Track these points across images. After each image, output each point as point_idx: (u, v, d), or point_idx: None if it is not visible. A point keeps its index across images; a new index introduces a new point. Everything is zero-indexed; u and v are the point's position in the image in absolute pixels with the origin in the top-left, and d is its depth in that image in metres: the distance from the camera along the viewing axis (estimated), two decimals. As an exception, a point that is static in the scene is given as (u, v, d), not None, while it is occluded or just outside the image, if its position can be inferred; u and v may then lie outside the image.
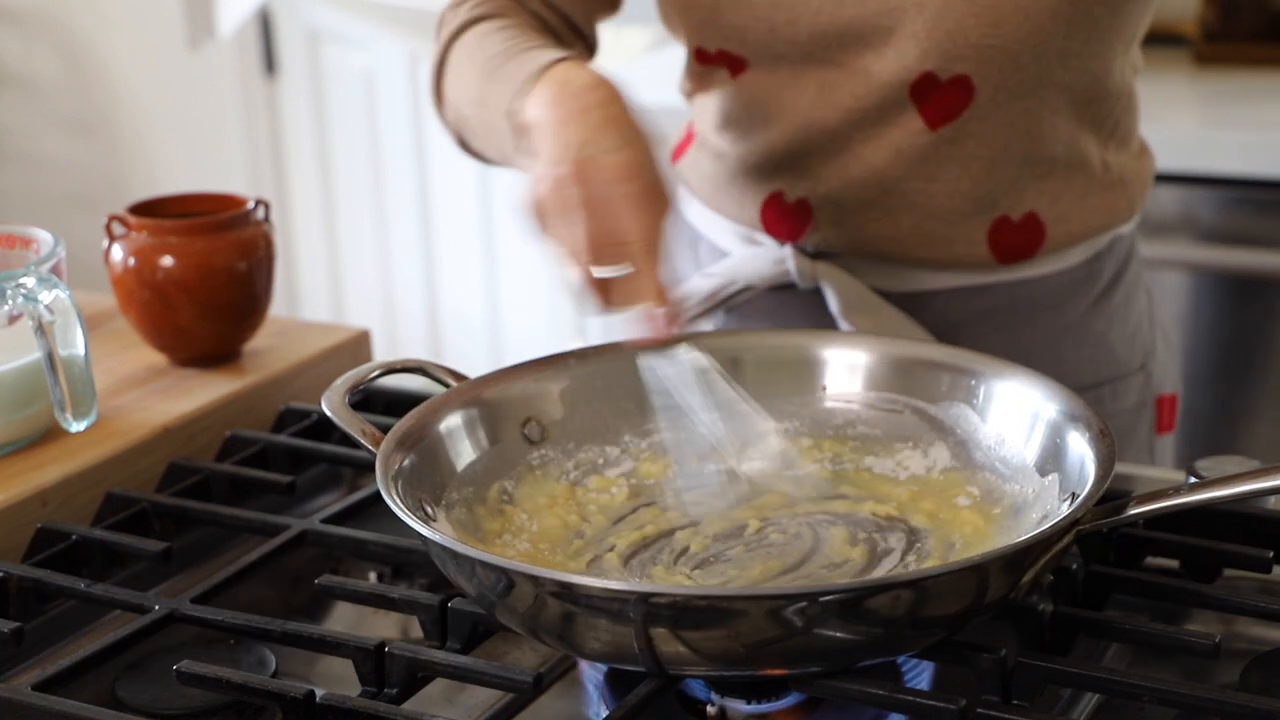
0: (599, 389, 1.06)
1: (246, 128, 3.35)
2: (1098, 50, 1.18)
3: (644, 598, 0.79)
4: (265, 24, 3.31)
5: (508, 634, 0.95)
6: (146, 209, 1.27)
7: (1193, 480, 1.04)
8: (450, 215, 3.17)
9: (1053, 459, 0.96)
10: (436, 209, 3.19)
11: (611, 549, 0.97)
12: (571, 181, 0.98)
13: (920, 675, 0.91)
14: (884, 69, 1.16)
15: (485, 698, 0.93)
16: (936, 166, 1.19)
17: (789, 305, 1.27)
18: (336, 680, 0.93)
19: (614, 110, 1.00)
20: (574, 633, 0.83)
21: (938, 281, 1.23)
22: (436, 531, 0.87)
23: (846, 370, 1.07)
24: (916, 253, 1.22)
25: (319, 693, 0.86)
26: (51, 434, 1.15)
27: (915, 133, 1.18)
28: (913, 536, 0.96)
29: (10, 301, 1.08)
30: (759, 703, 0.88)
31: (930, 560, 0.94)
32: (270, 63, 3.33)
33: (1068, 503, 0.91)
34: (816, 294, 1.25)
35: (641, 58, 2.49)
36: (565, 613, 0.82)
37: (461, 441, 1.01)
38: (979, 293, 1.24)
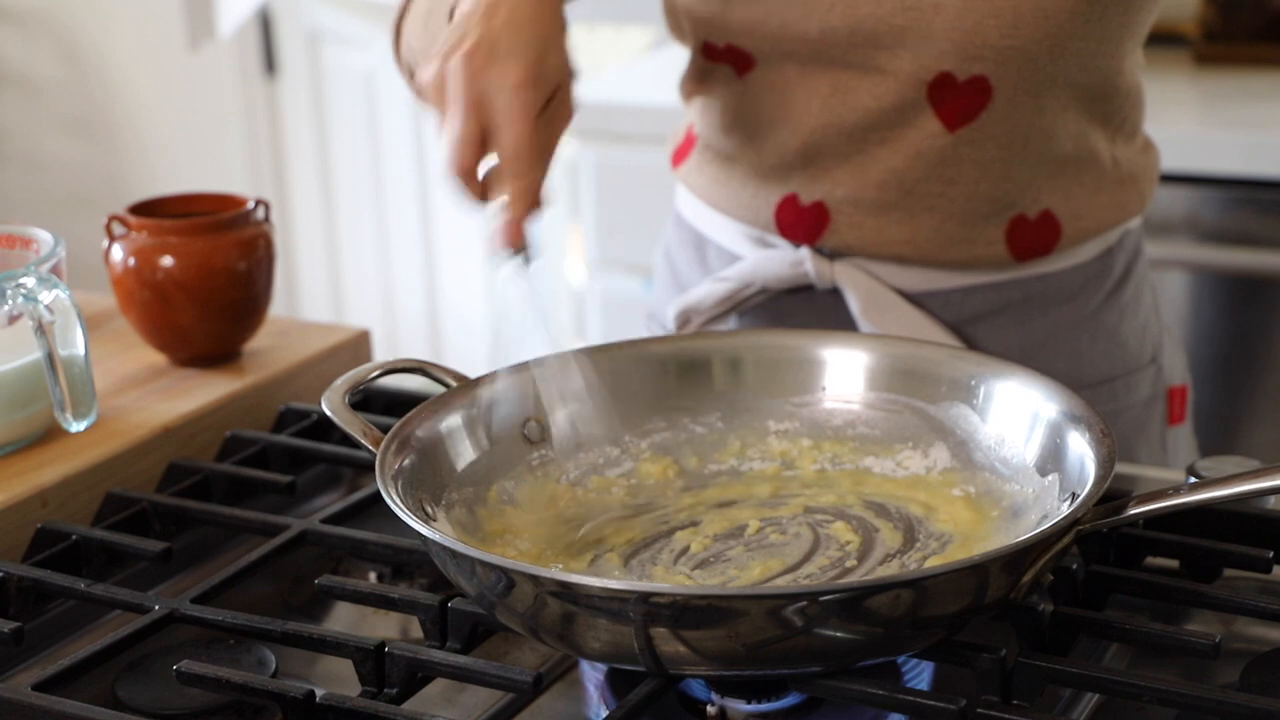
0: (599, 389, 1.06)
1: (246, 128, 3.35)
2: (1111, 49, 1.18)
3: (644, 597, 0.79)
4: (265, 24, 3.31)
5: (508, 634, 0.95)
6: (146, 209, 1.27)
7: (1193, 480, 1.04)
8: (450, 215, 3.17)
9: (1053, 459, 0.96)
10: (436, 209, 3.19)
11: (612, 549, 0.97)
12: (460, 75, 0.97)
13: (920, 675, 0.91)
14: (900, 69, 1.16)
15: (485, 698, 0.93)
16: (956, 169, 1.19)
17: (805, 306, 1.26)
18: (336, 680, 0.93)
19: (527, 9, 1.00)
20: (574, 632, 0.83)
21: (954, 280, 1.23)
22: (436, 531, 0.87)
23: (846, 371, 1.07)
24: (935, 255, 1.21)
25: (319, 693, 0.86)
26: (51, 434, 1.15)
27: (933, 134, 1.18)
28: (910, 533, 0.96)
29: (10, 301, 1.08)
30: (759, 703, 0.88)
31: (930, 559, 0.94)
32: (270, 63, 3.33)
33: (1068, 503, 0.91)
34: (833, 295, 1.25)
35: (641, 58, 2.49)
36: (565, 612, 0.82)
37: (461, 441, 1.01)
38: (995, 289, 1.24)
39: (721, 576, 0.93)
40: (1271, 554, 0.98)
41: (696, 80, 1.28)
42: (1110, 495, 0.94)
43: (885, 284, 1.23)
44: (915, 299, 1.23)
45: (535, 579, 0.82)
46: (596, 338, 2.59)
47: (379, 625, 1.02)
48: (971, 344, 1.23)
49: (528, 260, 0.99)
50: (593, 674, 0.93)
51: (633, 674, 0.88)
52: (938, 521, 0.98)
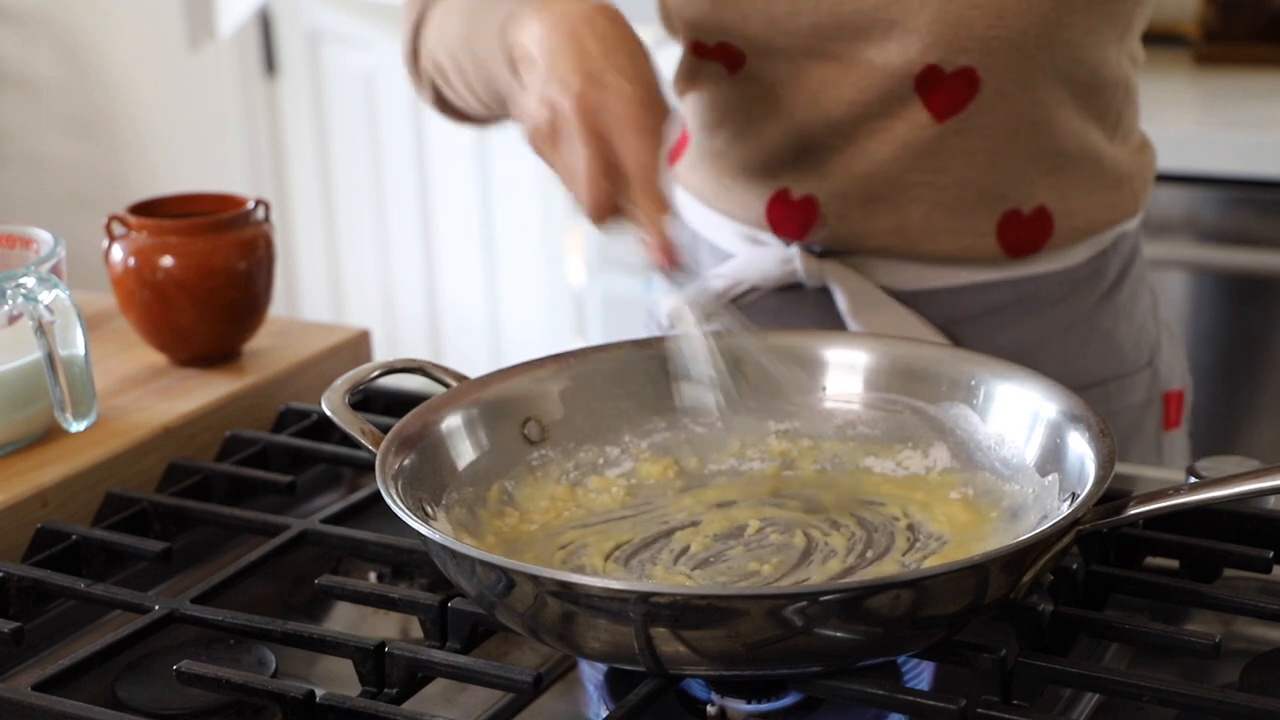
0: (599, 389, 1.06)
1: (246, 128, 3.35)
2: (1096, 39, 1.18)
3: (644, 597, 0.79)
4: (265, 24, 3.31)
5: (508, 634, 0.95)
6: (146, 209, 1.27)
7: (1193, 480, 1.04)
8: (450, 215, 3.17)
9: (1053, 459, 0.96)
10: (436, 209, 3.19)
11: (611, 549, 0.97)
12: (573, 111, 0.98)
13: (920, 675, 0.91)
14: (887, 61, 1.16)
15: (485, 698, 0.93)
16: (944, 159, 1.19)
17: (796, 305, 1.26)
18: (336, 680, 0.93)
19: (616, 38, 1.00)
20: (574, 632, 0.83)
21: (945, 278, 1.23)
22: (436, 531, 0.87)
23: (846, 371, 1.07)
24: (925, 246, 1.22)
25: (319, 693, 0.86)
26: (51, 434, 1.15)
27: (921, 125, 1.18)
28: (910, 533, 0.96)
29: (10, 301, 1.08)
30: (759, 703, 0.88)
31: (930, 559, 0.94)
32: (270, 63, 3.33)
33: (1068, 503, 0.91)
34: (824, 293, 1.25)
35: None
36: (565, 612, 0.82)
37: (461, 441, 1.01)
38: (986, 290, 1.24)
39: (721, 577, 0.93)
40: (1271, 554, 0.98)
41: (688, 78, 1.28)
42: (1110, 495, 0.94)
43: (875, 283, 1.23)
44: (905, 299, 1.23)
45: (535, 579, 0.82)
46: (596, 338, 2.59)
47: (379, 625, 1.02)
48: (961, 345, 1.23)
49: (687, 274, 1.01)
50: (593, 674, 0.93)
51: (633, 674, 0.88)
52: (938, 522, 0.98)
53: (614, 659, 0.86)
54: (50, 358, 1.08)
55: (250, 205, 1.27)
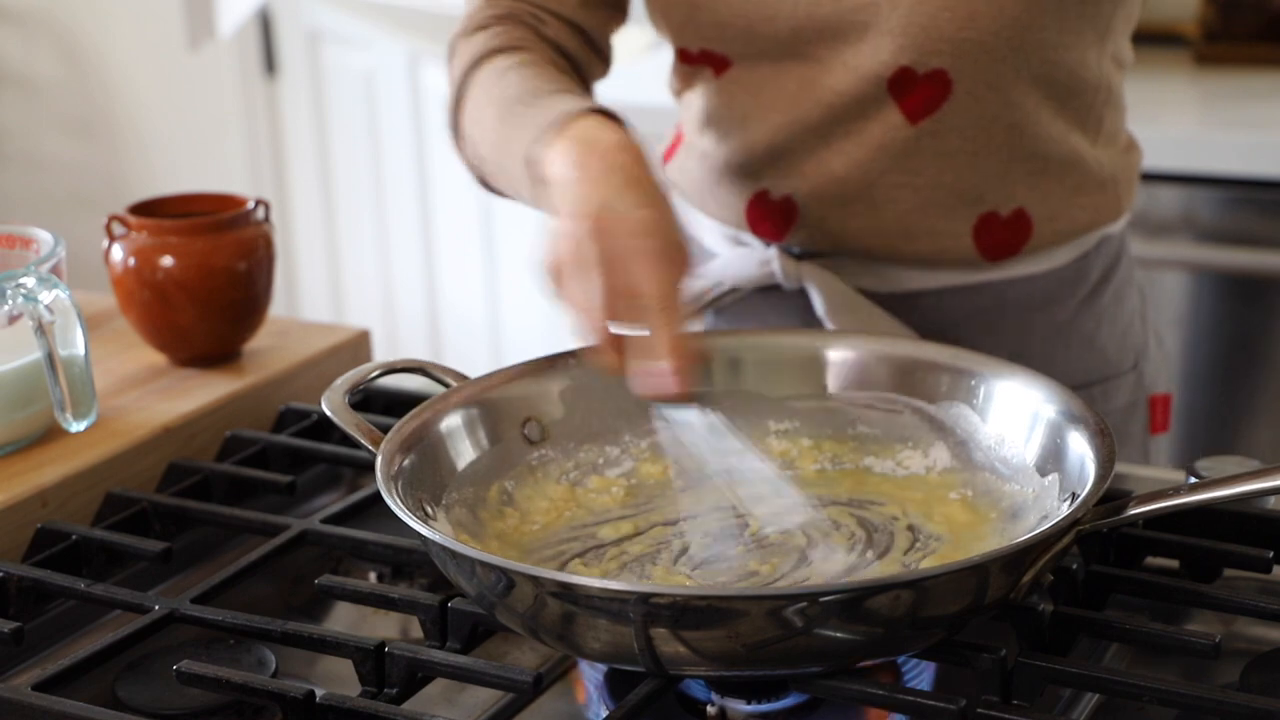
0: (599, 389, 1.06)
1: (246, 128, 3.35)
2: (1071, 41, 1.18)
3: (644, 598, 0.79)
4: (265, 24, 3.31)
5: (508, 634, 0.95)
6: (146, 209, 1.27)
7: (1193, 480, 1.04)
8: (450, 215, 3.17)
9: (1053, 459, 0.96)
10: (436, 209, 3.19)
11: (611, 550, 0.97)
12: (590, 238, 0.96)
13: (920, 675, 0.91)
14: (861, 64, 1.17)
15: (485, 698, 0.93)
16: (919, 160, 1.19)
17: (775, 306, 1.27)
18: (336, 680, 0.93)
19: (636, 172, 0.99)
20: (574, 633, 0.83)
21: (924, 281, 1.23)
22: (436, 531, 0.87)
23: (846, 371, 1.07)
24: (901, 248, 1.22)
25: (319, 693, 0.86)
26: (51, 434, 1.15)
27: (895, 127, 1.18)
28: (911, 533, 0.96)
29: (10, 301, 1.08)
30: (759, 703, 0.88)
31: (930, 559, 0.94)
32: (270, 63, 3.33)
33: (1068, 503, 0.91)
34: (802, 295, 1.25)
35: (641, 58, 2.49)
36: (565, 613, 0.82)
37: (461, 441, 1.01)
38: (966, 293, 1.24)
39: (721, 577, 0.93)
40: (1271, 554, 0.98)
41: (682, 79, 1.29)
42: (1110, 495, 0.95)
43: (853, 285, 1.23)
44: (884, 302, 1.23)
45: (535, 579, 0.82)
46: (596, 338, 2.58)
47: (379, 625, 1.02)
48: None
49: (695, 406, 0.98)
50: (592, 674, 0.93)
51: (632, 674, 0.88)
52: (938, 522, 0.98)
53: (614, 659, 0.86)
54: (50, 358, 1.08)
55: (250, 205, 1.27)
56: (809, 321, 1.24)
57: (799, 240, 1.24)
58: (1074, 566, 0.96)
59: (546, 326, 3.08)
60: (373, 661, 0.89)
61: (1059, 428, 0.96)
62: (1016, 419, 1.00)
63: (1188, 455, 2.00)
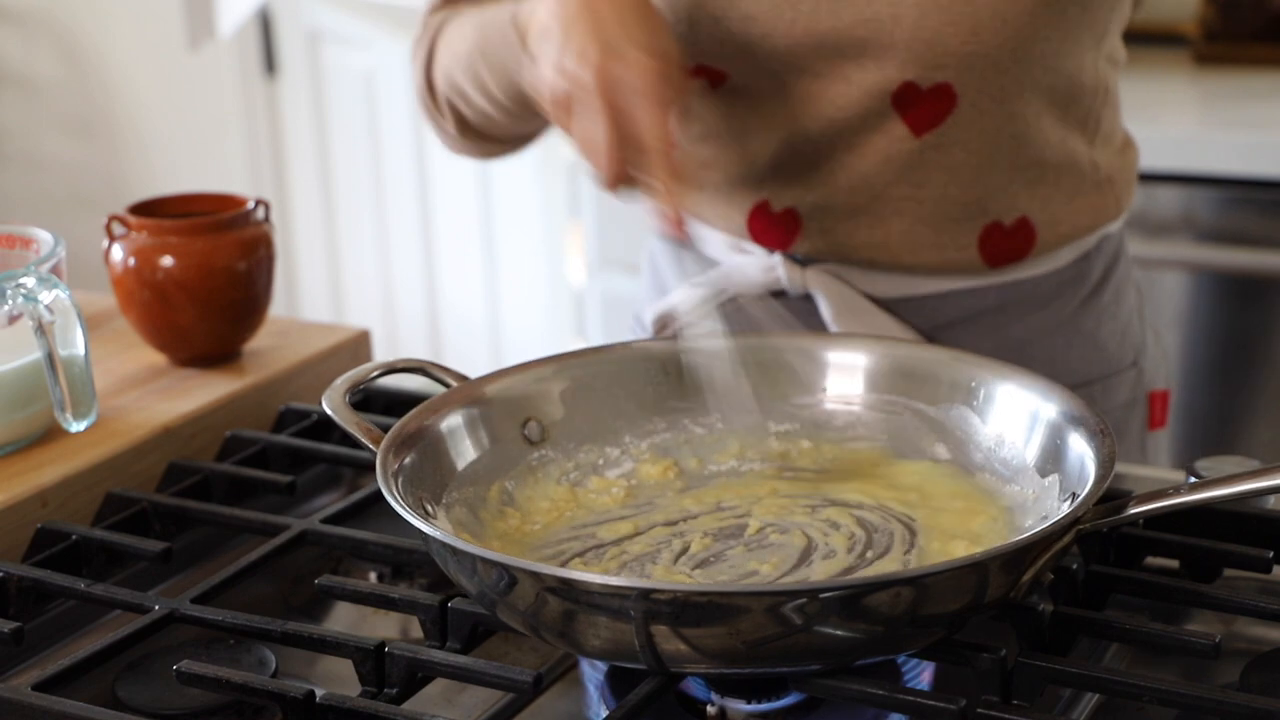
0: (599, 389, 1.06)
1: (246, 128, 3.35)
2: (1071, 48, 1.18)
3: (645, 594, 0.80)
4: (265, 24, 3.31)
5: (508, 634, 0.95)
6: (146, 209, 1.27)
7: (1193, 480, 1.04)
8: (450, 215, 3.17)
9: (1053, 459, 0.96)
10: (436, 209, 3.19)
11: (611, 549, 0.97)
12: (591, 83, 1.00)
13: (920, 675, 0.91)
14: (864, 78, 1.17)
15: (485, 698, 0.93)
16: (924, 173, 1.19)
17: (779, 312, 1.27)
18: (336, 680, 0.93)
19: (632, 11, 1.02)
20: (575, 630, 0.83)
21: (927, 286, 1.23)
22: (437, 528, 0.87)
23: (846, 372, 1.07)
24: (906, 259, 1.22)
25: (319, 693, 0.86)
26: (51, 434, 1.15)
27: (900, 139, 1.18)
28: (910, 532, 0.96)
29: (10, 301, 1.08)
30: (759, 702, 0.88)
31: (929, 558, 0.94)
32: (270, 63, 3.33)
33: (1068, 503, 0.91)
34: (806, 300, 1.25)
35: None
36: (566, 610, 0.82)
37: (462, 441, 1.01)
38: (968, 295, 1.24)
39: (722, 576, 0.93)
40: (1271, 554, 0.98)
41: None
42: (1110, 495, 0.95)
43: (857, 290, 1.23)
44: (887, 305, 1.23)
45: (536, 576, 0.82)
46: (596, 338, 2.59)
47: (379, 625, 1.03)
48: None
49: (686, 241, 1.03)
50: (593, 674, 0.93)
51: (633, 674, 0.88)
52: (937, 522, 0.98)
53: (615, 657, 0.86)
54: (50, 358, 1.08)
55: (250, 205, 1.27)
56: (812, 327, 1.24)
57: (802, 251, 1.24)
58: (1074, 566, 0.96)
59: (546, 326, 3.08)
60: (373, 661, 0.89)
61: (1059, 428, 0.96)
62: (1016, 420, 1.00)
63: (1187, 455, 2.01)
